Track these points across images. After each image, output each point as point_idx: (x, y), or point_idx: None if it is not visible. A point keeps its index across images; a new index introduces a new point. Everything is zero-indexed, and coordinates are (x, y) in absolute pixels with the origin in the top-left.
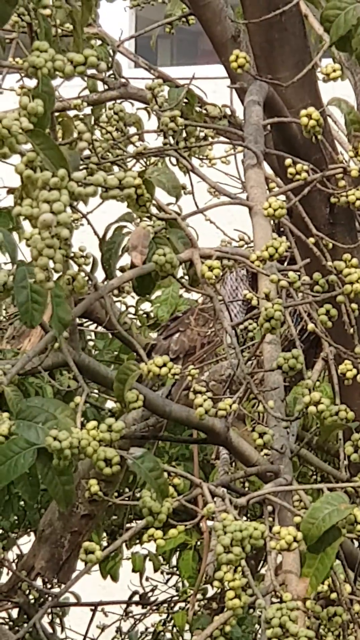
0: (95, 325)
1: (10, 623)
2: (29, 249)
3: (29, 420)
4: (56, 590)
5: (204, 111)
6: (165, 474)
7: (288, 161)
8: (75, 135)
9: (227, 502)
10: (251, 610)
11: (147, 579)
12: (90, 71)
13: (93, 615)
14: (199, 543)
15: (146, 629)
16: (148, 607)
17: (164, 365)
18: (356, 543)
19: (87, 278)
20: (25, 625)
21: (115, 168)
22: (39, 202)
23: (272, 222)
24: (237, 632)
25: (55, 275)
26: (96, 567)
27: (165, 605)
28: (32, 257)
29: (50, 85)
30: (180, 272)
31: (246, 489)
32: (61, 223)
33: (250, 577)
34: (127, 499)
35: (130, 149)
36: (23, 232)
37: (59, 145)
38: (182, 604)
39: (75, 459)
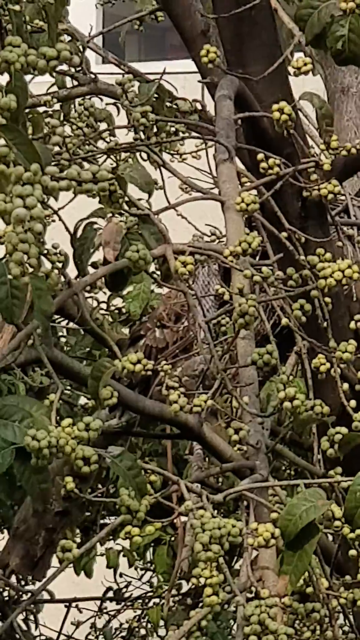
0: (66, 321)
1: None
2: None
3: (5, 419)
4: (31, 587)
5: (175, 106)
6: (143, 472)
7: (260, 156)
8: (46, 130)
9: (204, 498)
10: (226, 606)
11: (121, 575)
12: (58, 67)
13: (67, 611)
14: (173, 538)
15: (121, 624)
16: (122, 603)
17: (139, 362)
18: (330, 537)
19: (60, 275)
20: (0, 622)
21: (86, 164)
22: (13, 197)
23: (244, 216)
24: (212, 627)
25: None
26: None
27: (140, 601)
28: (6, 252)
29: (24, 80)
30: (152, 267)
31: (220, 483)
32: (35, 217)
33: (227, 573)
34: (100, 495)
35: (101, 144)
36: None
37: (42, 137)
38: (157, 600)
39: (56, 458)
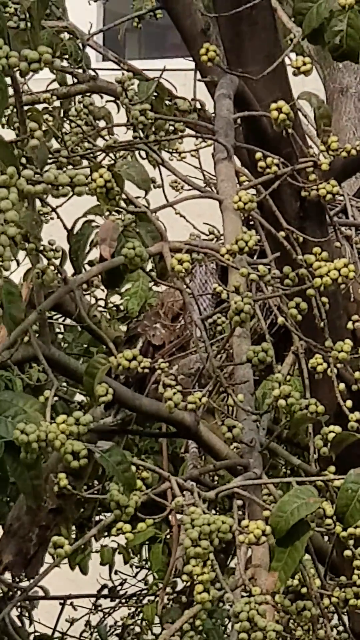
0: (63, 318)
1: None
2: None
3: None
4: (25, 584)
5: (174, 105)
6: (133, 468)
7: (258, 155)
8: (44, 128)
9: (195, 495)
10: (221, 604)
11: (116, 572)
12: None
13: (62, 608)
14: (168, 536)
15: (115, 622)
16: (117, 601)
17: (134, 358)
18: (326, 537)
19: (56, 271)
20: None
21: (85, 162)
22: None
23: (241, 215)
24: (207, 624)
25: (6, 273)
26: (65, 559)
27: (135, 598)
28: None
29: (4, 82)
30: (149, 265)
31: (216, 482)
32: (9, 221)
33: (218, 571)
34: (95, 492)
35: (100, 142)
36: None
37: (23, 139)
38: (151, 597)
39: (44, 453)
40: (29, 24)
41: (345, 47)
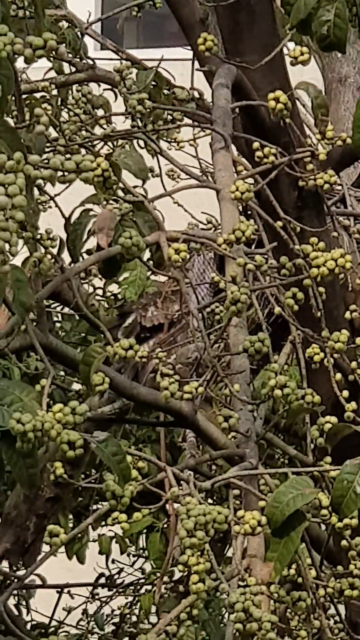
0: (61, 306)
1: None
2: None
3: None
4: (21, 572)
5: (172, 94)
6: (129, 458)
7: (255, 144)
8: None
9: (191, 485)
10: (218, 594)
11: (113, 562)
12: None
13: (59, 597)
14: (165, 525)
15: (112, 611)
16: (114, 590)
17: (130, 347)
18: (323, 527)
19: (53, 260)
20: None
21: (83, 150)
22: None
23: (239, 205)
24: (203, 614)
25: (15, 259)
26: (62, 549)
27: (132, 587)
28: None
29: (9, 68)
30: (147, 255)
31: (214, 472)
32: (16, 206)
33: (214, 561)
34: (93, 481)
35: (98, 131)
36: None
37: (22, 127)
38: (149, 587)
39: (42, 442)
40: (28, 12)
41: (332, 37)
